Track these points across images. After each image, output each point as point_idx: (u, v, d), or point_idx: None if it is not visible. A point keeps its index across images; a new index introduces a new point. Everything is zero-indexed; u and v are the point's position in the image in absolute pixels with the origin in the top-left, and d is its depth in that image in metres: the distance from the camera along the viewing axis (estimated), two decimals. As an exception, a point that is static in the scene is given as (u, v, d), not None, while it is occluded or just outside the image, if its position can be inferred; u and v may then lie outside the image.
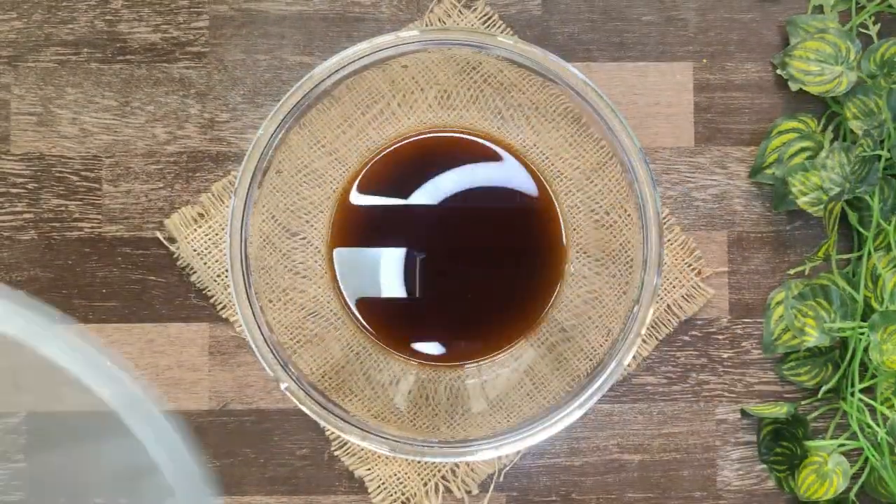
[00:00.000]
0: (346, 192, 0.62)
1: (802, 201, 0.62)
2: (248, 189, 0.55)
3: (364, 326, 0.63)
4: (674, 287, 0.64)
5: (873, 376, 0.62)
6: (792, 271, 0.65)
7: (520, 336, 0.63)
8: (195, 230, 0.64)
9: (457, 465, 0.64)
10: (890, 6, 0.64)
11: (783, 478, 0.64)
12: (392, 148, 0.63)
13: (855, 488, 0.63)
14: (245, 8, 0.65)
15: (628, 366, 0.64)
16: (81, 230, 0.65)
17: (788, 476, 0.63)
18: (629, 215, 0.58)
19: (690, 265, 0.65)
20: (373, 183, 0.62)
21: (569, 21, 0.65)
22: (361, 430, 0.56)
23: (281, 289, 0.59)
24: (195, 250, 0.64)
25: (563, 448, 0.65)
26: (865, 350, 0.61)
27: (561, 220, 0.63)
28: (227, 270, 0.61)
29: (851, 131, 0.63)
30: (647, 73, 0.65)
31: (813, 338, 0.62)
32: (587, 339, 0.60)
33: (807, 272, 0.65)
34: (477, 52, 0.57)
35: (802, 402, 0.65)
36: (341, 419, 0.56)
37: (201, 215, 0.64)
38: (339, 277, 0.62)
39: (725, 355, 0.65)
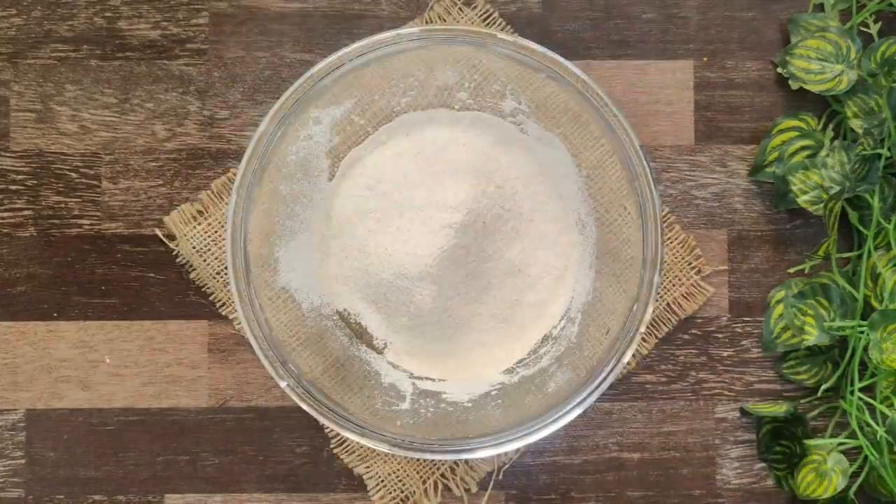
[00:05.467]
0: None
1: (803, 200, 0.62)
2: (248, 186, 0.55)
3: (361, 325, 0.63)
4: (674, 285, 0.64)
5: (873, 375, 0.62)
6: (792, 270, 0.65)
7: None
8: (194, 227, 0.64)
9: (456, 463, 0.64)
10: (890, 4, 0.64)
11: (782, 476, 0.64)
12: (392, 145, 0.63)
13: (854, 487, 0.63)
14: (245, 5, 0.65)
15: (628, 364, 0.64)
16: (81, 227, 0.65)
17: (788, 474, 0.63)
18: (629, 213, 0.58)
19: (690, 263, 0.65)
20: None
21: (569, 19, 0.65)
22: (360, 426, 0.56)
23: (280, 286, 0.59)
24: (194, 248, 0.64)
25: (563, 446, 0.65)
26: (865, 349, 0.61)
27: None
28: (226, 267, 0.61)
29: (852, 130, 0.63)
30: (648, 71, 0.65)
31: (813, 336, 0.62)
32: (587, 336, 0.60)
33: (807, 271, 0.65)
34: (477, 50, 0.57)
35: (802, 401, 0.65)
36: (340, 416, 0.56)
37: (200, 213, 0.64)
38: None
39: (725, 354, 0.65)
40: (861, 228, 0.63)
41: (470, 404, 0.60)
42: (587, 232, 0.62)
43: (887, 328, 0.59)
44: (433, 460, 0.63)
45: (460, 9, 0.64)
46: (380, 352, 0.62)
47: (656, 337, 0.64)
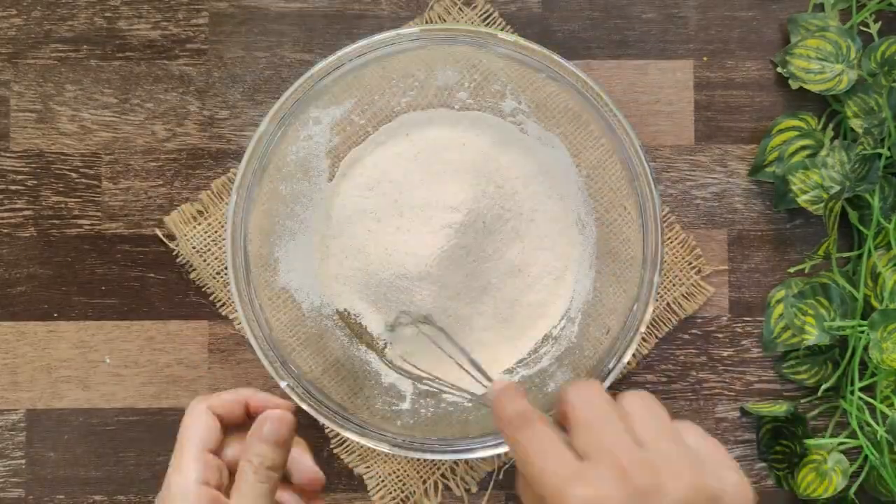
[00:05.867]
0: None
1: (803, 199, 0.62)
2: (248, 186, 0.55)
3: (362, 325, 0.63)
4: (674, 285, 0.64)
5: (873, 374, 0.62)
6: (792, 269, 0.65)
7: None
8: (194, 227, 0.64)
9: (456, 463, 0.64)
10: (890, 4, 0.64)
11: (783, 476, 0.64)
12: (392, 145, 0.62)
13: (854, 486, 0.63)
14: (245, 5, 0.65)
15: (628, 364, 0.64)
16: (81, 227, 0.65)
17: (788, 474, 0.63)
18: (629, 213, 0.58)
19: (690, 263, 0.65)
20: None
21: (569, 18, 0.65)
22: (360, 426, 0.56)
23: (280, 286, 0.59)
24: (194, 248, 0.64)
25: (563, 446, 0.64)
26: (865, 348, 0.61)
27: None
28: (226, 268, 0.61)
29: (852, 129, 0.63)
30: (648, 71, 0.65)
31: (813, 336, 0.62)
32: (587, 336, 0.60)
33: (807, 270, 0.65)
34: (477, 50, 0.57)
35: (802, 401, 0.65)
36: (340, 416, 0.56)
37: (201, 213, 0.64)
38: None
39: (725, 353, 0.65)
40: (861, 228, 0.63)
41: (470, 404, 0.60)
42: (587, 232, 0.62)
43: (887, 328, 0.59)
44: (433, 460, 0.63)
45: (460, 9, 0.64)
46: (380, 352, 0.62)
47: (656, 337, 0.64)
